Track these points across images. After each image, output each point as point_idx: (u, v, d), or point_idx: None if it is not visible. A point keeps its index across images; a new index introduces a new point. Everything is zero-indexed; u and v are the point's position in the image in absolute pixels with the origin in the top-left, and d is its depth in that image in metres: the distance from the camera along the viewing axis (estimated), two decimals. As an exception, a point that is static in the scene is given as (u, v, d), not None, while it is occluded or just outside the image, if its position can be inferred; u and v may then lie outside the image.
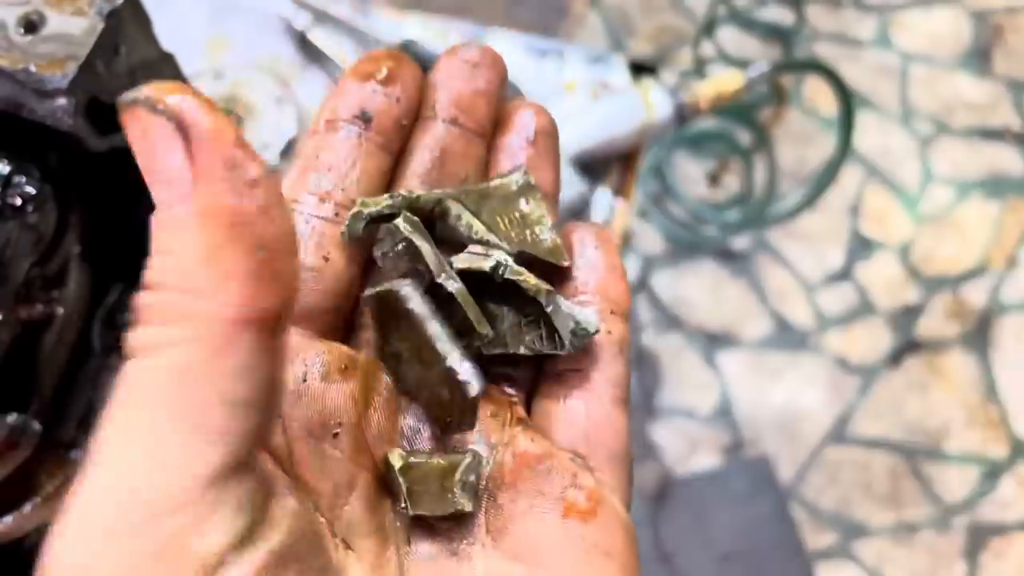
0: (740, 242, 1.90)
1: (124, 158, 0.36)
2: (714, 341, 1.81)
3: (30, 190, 0.32)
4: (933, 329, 1.82)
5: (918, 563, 1.62)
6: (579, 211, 0.82)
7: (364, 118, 0.35)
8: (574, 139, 0.85)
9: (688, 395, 1.76)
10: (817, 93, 2.07)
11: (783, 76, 1.98)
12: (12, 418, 0.32)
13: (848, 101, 1.17)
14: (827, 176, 1.29)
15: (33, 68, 0.31)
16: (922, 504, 1.67)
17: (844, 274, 1.88)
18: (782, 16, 2.13)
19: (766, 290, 1.86)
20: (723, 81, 0.92)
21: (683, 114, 0.89)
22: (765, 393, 1.76)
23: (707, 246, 1.88)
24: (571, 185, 0.80)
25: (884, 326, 1.82)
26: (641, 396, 1.75)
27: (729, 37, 2.08)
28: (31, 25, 0.32)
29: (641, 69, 0.94)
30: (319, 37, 0.95)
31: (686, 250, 1.89)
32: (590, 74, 0.95)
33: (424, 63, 1.01)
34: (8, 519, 0.35)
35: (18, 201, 0.32)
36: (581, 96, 0.93)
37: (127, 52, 0.35)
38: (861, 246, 1.91)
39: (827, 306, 1.84)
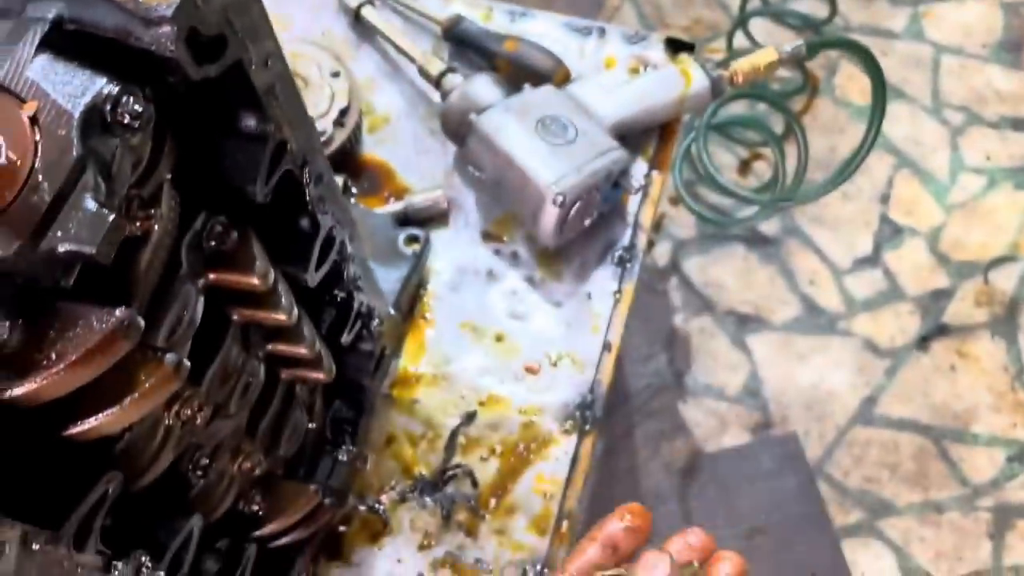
0: (770, 228, 1.94)
1: (216, 89, 0.42)
2: (744, 323, 1.84)
3: (137, 108, 0.38)
4: (962, 314, 1.84)
5: (944, 542, 1.65)
6: (617, 178, 0.86)
7: None
8: (613, 109, 0.90)
9: (718, 375, 1.79)
10: (849, 83, 2.10)
11: (816, 53, 2.01)
12: (121, 311, 0.37)
13: (880, 77, 1.21)
14: (862, 152, 1.32)
15: (144, -5, 0.36)
16: (949, 485, 1.69)
17: (873, 260, 1.90)
18: (815, 8, 2.16)
19: (795, 274, 1.89)
20: (758, 56, 0.96)
21: (719, 87, 0.94)
22: (793, 374, 1.79)
23: (738, 231, 1.92)
24: (610, 152, 0.85)
25: (912, 310, 1.85)
26: (672, 376, 1.79)
27: (762, 29, 2.11)
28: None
29: (679, 47, 0.99)
30: (371, 15, 1.01)
31: (717, 235, 1.93)
32: (629, 51, 1.00)
33: (469, 39, 1.07)
34: (107, 413, 0.41)
35: (126, 119, 0.37)
36: (620, 71, 0.98)
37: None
38: (891, 232, 1.93)
39: (856, 290, 1.87)
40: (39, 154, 0.34)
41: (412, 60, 0.96)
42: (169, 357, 0.41)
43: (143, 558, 0.46)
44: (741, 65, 0.95)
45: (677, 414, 1.76)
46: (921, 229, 1.94)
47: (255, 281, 0.49)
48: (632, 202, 0.91)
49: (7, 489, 0.36)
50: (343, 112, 0.93)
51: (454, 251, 0.90)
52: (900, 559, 1.64)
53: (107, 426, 0.40)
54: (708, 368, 1.80)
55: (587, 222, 0.87)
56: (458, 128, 0.89)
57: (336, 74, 0.94)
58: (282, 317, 0.53)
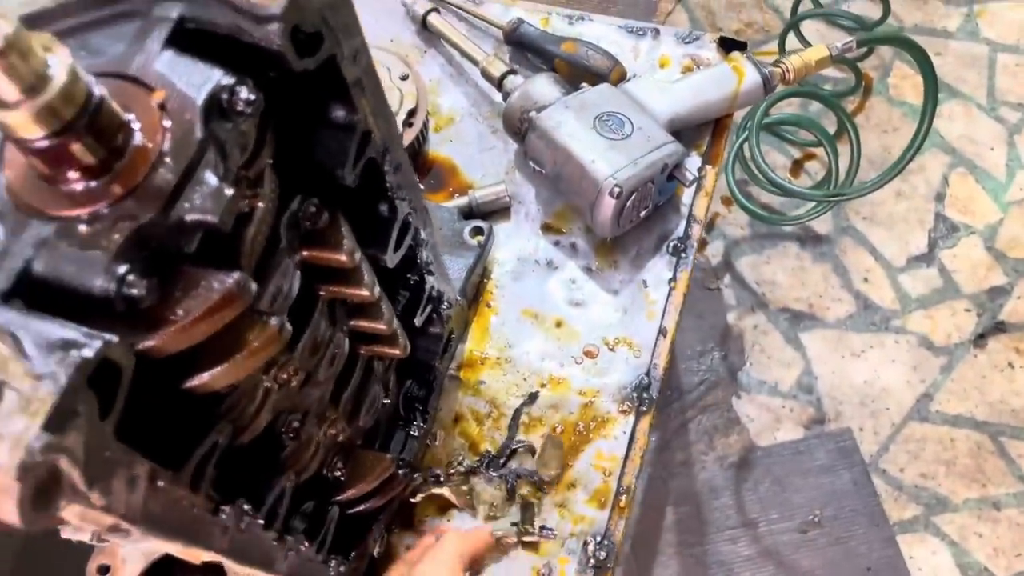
0: (823, 227, 1.94)
1: (310, 82, 0.47)
2: (797, 320, 1.85)
3: (250, 96, 0.42)
4: (1019, 312, 1.83)
5: (1002, 539, 1.64)
6: (672, 171, 0.90)
7: None
8: (668, 106, 0.93)
9: (772, 371, 1.81)
10: (902, 82, 2.09)
11: (867, 48, 2.01)
12: (237, 274, 0.42)
13: (931, 71, 1.22)
14: (916, 144, 1.33)
15: (253, -1, 0.41)
16: (1006, 481, 1.68)
17: (928, 257, 1.90)
18: (868, 10, 2.16)
19: (849, 272, 1.90)
20: (810, 52, 0.99)
21: (771, 83, 0.97)
22: (847, 370, 1.80)
23: (790, 230, 1.93)
24: (665, 146, 0.88)
25: (968, 308, 1.84)
26: (726, 371, 1.81)
27: (814, 31, 2.12)
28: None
29: (731, 45, 1.02)
30: (437, 21, 1.06)
31: (769, 234, 1.94)
32: (682, 51, 1.03)
33: (529, 42, 1.11)
34: (220, 368, 0.45)
35: (239, 106, 0.42)
36: (674, 70, 1.02)
37: (320, -9, 0.44)
38: (946, 230, 1.92)
39: (911, 288, 1.87)
40: (167, 136, 0.39)
41: (475, 63, 1.01)
42: (273, 320, 0.45)
43: (245, 507, 0.51)
44: (792, 61, 0.98)
45: (731, 409, 1.78)
46: (977, 227, 1.93)
47: (343, 258, 0.53)
48: (686, 195, 0.95)
49: (137, 432, 0.41)
50: (411, 113, 0.98)
51: (516, 243, 0.94)
52: (957, 555, 1.63)
53: (219, 380, 0.44)
54: (762, 364, 1.82)
55: (643, 214, 0.91)
56: (519, 125, 0.93)
57: (405, 77, 0.99)
58: (365, 293, 0.58)
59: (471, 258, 0.88)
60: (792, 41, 2.07)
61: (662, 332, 0.88)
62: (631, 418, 0.83)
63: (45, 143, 0.36)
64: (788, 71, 0.98)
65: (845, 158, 1.86)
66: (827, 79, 2.09)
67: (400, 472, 0.75)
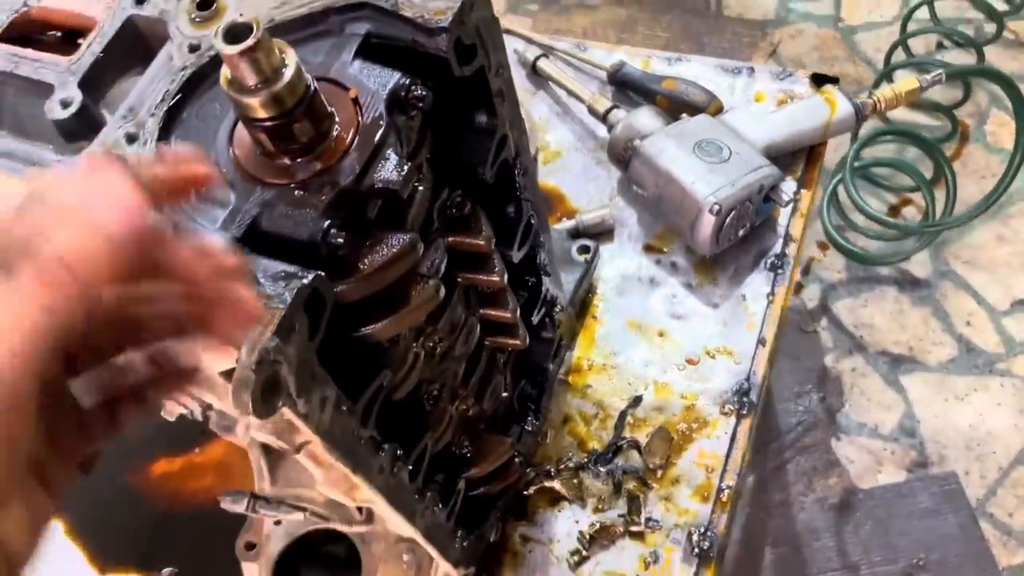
0: (921, 271, 1.95)
1: (465, 90, 0.56)
2: (897, 363, 1.85)
3: (422, 92, 0.52)
4: None
5: (1123, 589, 1.58)
6: (768, 192, 0.96)
7: None
8: (763, 134, 1.00)
9: (872, 413, 1.81)
10: (1000, 129, 2.10)
11: (962, 96, 2.03)
12: (410, 235, 0.51)
13: (1022, 102, 1.26)
14: (1012, 170, 1.35)
15: (428, 15, 0.51)
16: (1126, 530, 1.62)
17: (1033, 301, 1.88)
18: (961, 58, 2.19)
19: (950, 316, 1.89)
20: (900, 84, 1.05)
21: (862, 112, 1.03)
22: (951, 414, 1.78)
23: (888, 273, 1.94)
24: (761, 168, 0.95)
25: (1078, 351, 1.81)
26: (824, 413, 1.82)
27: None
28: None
29: (823, 80, 1.09)
30: (546, 65, 1.16)
31: (867, 278, 1.96)
32: (777, 86, 1.11)
33: (631, 81, 1.20)
34: (389, 319, 0.54)
35: (414, 101, 0.52)
36: (769, 104, 1.09)
37: (476, 9, 0.54)
38: (1051, 274, 1.90)
39: (1015, 332, 1.85)
40: (360, 123, 0.49)
41: (581, 100, 1.10)
42: (432, 281, 0.54)
43: (397, 451, 0.60)
44: (884, 92, 1.04)
45: (830, 451, 1.78)
46: (1085, 270, 1.90)
47: (482, 243, 0.62)
48: (782, 217, 1.01)
49: (325, 364, 0.50)
50: (522, 146, 1.07)
51: (619, 262, 1.02)
52: (1073, 602, 1.58)
53: (387, 329, 0.53)
54: (861, 407, 1.82)
55: (740, 232, 0.97)
56: (623, 153, 1.02)
57: (517, 114, 1.10)
58: (496, 279, 0.66)
59: (579, 273, 0.96)
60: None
61: (761, 342, 0.93)
62: (732, 420, 0.89)
63: (272, 123, 0.46)
64: (879, 102, 1.04)
65: (941, 203, 1.88)
66: (923, 127, 2.12)
67: (516, 460, 0.83)
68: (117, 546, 0.93)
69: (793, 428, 1.82)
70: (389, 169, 0.49)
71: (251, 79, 0.44)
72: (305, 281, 0.43)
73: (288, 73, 0.45)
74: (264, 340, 0.41)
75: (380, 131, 0.49)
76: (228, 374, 0.44)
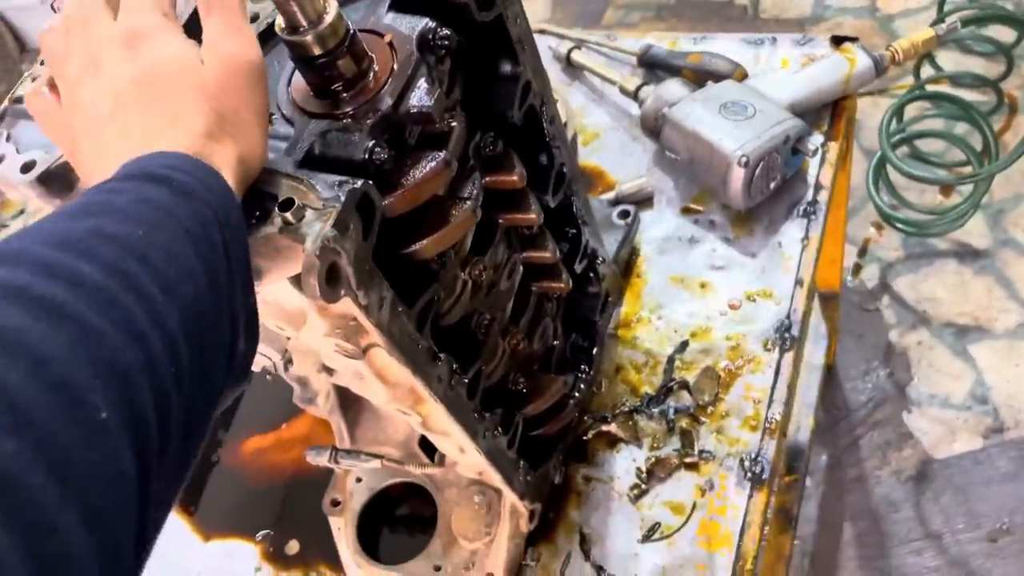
0: (981, 242, 1.94)
1: (488, 39, 0.64)
2: (963, 334, 1.84)
3: (447, 33, 0.60)
4: None
5: None
6: (796, 144, 1.01)
7: None
8: (787, 92, 1.06)
9: (942, 384, 1.80)
10: (1050, 96, 2.09)
11: (1006, 68, 2.02)
12: (445, 152, 0.58)
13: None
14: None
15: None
16: None
17: (1100, 260, 1.85)
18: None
19: (1014, 283, 1.88)
20: (917, 35, 1.09)
21: (881, 64, 1.08)
22: (1023, 378, 1.76)
23: (946, 247, 1.94)
24: (786, 121, 1.00)
25: None
26: (893, 388, 1.82)
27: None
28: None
29: (843, 40, 1.14)
30: (579, 56, 1.24)
31: (925, 253, 1.96)
32: (799, 51, 1.16)
33: (659, 60, 1.27)
34: (432, 237, 0.61)
35: (441, 42, 0.60)
36: (792, 68, 1.14)
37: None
38: (1117, 232, 1.88)
39: (1084, 292, 1.83)
40: (396, 61, 0.57)
41: (613, 83, 1.18)
42: (469, 203, 0.62)
43: (454, 364, 0.67)
44: (900, 44, 1.09)
45: (902, 424, 1.77)
46: None
47: (515, 178, 0.70)
48: (812, 168, 1.05)
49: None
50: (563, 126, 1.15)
51: (660, 225, 1.08)
52: None
53: (431, 247, 0.61)
54: (930, 378, 1.81)
55: (772, 185, 1.02)
56: (655, 124, 1.08)
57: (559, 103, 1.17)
58: (532, 216, 0.73)
59: (620, 235, 1.03)
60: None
61: (799, 282, 0.97)
62: (775, 354, 0.93)
63: (321, 59, 0.54)
64: (897, 52, 1.08)
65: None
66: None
67: (570, 402, 0.88)
68: (216, 517, 1.01)
69: (863, 405, 1.82)
70: (421, 94, 0.56)
71: (302, 20, 0.53)
72: (356, 185, 0.51)
73: (330, 17, 0.53)
74: (326, 231, 0.49)
75: (412, 65, 0.57)
76: (296, 278, 0.52)
